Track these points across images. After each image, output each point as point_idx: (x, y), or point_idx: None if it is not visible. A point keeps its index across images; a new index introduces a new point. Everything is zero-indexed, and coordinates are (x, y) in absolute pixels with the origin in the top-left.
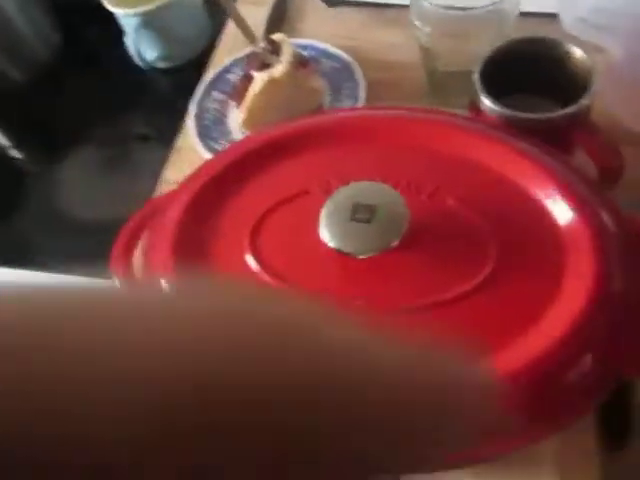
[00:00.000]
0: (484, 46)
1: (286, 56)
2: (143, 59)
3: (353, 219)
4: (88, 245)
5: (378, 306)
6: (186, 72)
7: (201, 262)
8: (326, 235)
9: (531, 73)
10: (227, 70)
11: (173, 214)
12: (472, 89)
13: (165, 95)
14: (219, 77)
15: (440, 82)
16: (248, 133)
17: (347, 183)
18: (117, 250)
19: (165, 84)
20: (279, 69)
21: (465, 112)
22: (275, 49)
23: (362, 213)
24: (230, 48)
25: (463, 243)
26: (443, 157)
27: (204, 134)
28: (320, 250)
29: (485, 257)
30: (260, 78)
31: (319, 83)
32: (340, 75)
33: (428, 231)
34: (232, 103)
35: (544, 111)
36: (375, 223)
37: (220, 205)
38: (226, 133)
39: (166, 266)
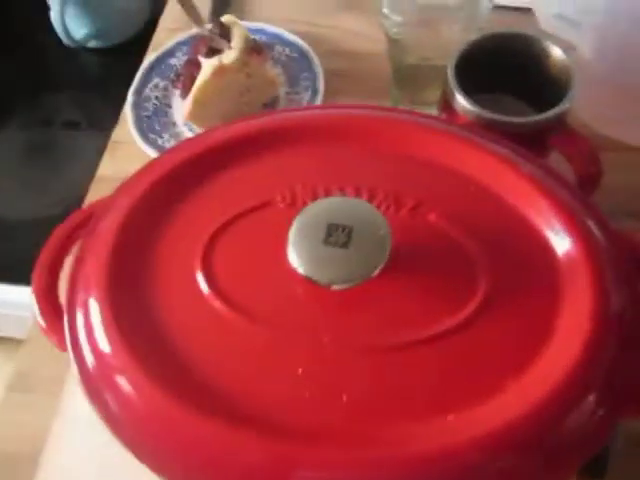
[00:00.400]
0: (456, 39)
1: (237, 41)
2: (71, 37)
3: (327, 242)
4: (6, 249)
5: (353, 344)
6: (121, 53)
7: (141, 280)
8: (295, 260)
9: (502, 70)
10: (170, 54)
11: (110, 222)
12: (444, 86)
13: (96, 79)
14: (160, 61)
15: (407, 76)
16: (194, 126)
17: (315, 194)
18: (41, 265)
19: (96, 67)
20: (230, 56)
21: (433, 109)
22: (224, 33)
23: (338, 235)
24: (172, 28)
25: (450, 269)
26: (421, 166)
27: (144, 126)
28: (286, 276)
29: (474, 284)
30: (208, 65)
31: (274, 72)
32: (297, 64)
33: (411, 256)
34: (176, 91)
35: (515, 111)
36: (353, 248)
37: (167, 214)
38: (169, 126)
39: (98, 285)
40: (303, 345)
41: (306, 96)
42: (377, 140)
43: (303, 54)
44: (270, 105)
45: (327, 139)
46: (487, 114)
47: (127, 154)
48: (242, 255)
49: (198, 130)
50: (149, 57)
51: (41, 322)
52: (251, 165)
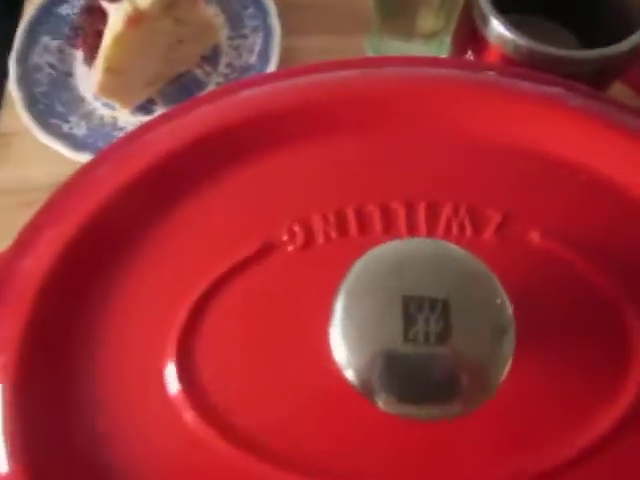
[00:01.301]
0: None
1: None
2: None
3: (409, 337)
4: None
5: None
6: None
7: (71, 373)
8: (355, 375)
9: None
10: (55, 2)
11: (28, 282)
12: (465, 11)
13: None
14: (46, 12)
15: (396, 2)
16: (113, 103)
17: (344, 222)
18: None
19: None
20: None
21: (431, 44)
22: None
23: (425, 321)
24: None
25: (585, 338)
26: (490, 151)
27: (41, 109)
28: (326, 387)
29: (627, 359)
30: (117, 13)
31: (208, 13)
32: None
33: (523, 316)
34: (76, 53)
35: (558, 40)
36: (454, 342)
37: (116, 269)
38: (77, 103)
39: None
40: None
41: (257, 39)
42: (414, 119)
43: None
44: (211, 58)
45: (335, 127)
46: (540, 47)
47: (21, 150)
48: (239, 343)
49: (116, 106)
50: (28, 9)
51: None
52: (230, 179)
